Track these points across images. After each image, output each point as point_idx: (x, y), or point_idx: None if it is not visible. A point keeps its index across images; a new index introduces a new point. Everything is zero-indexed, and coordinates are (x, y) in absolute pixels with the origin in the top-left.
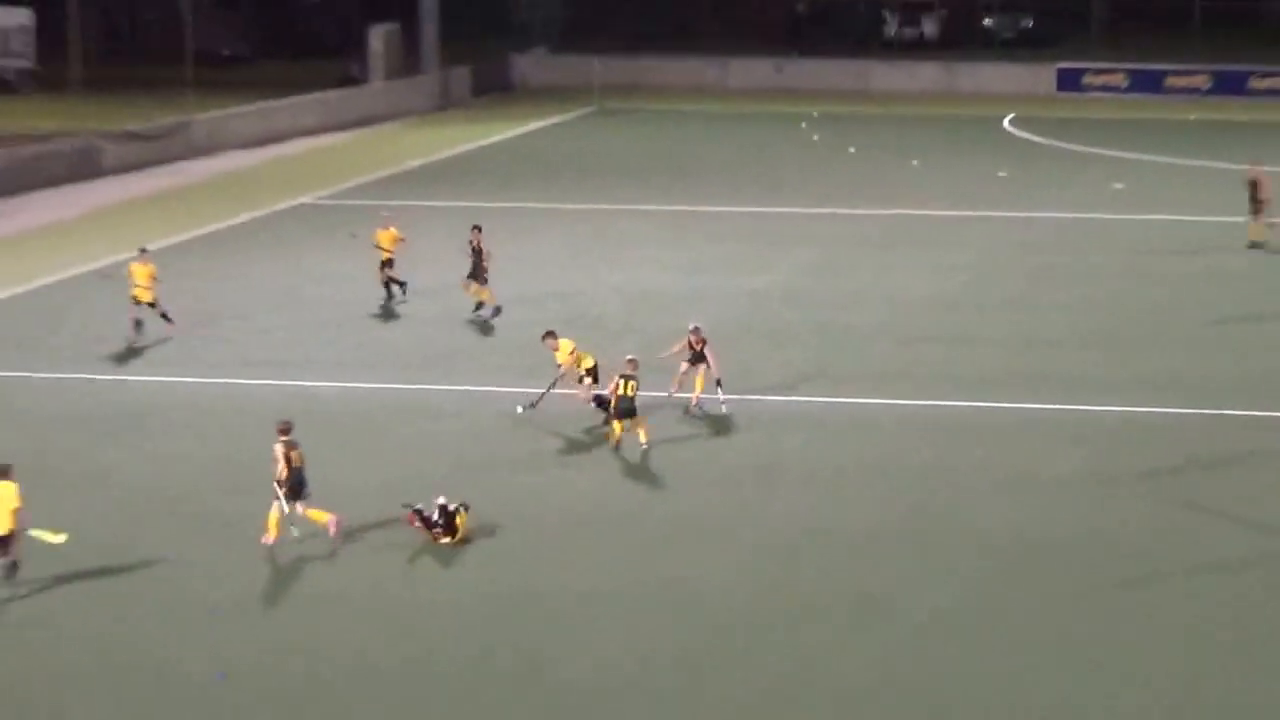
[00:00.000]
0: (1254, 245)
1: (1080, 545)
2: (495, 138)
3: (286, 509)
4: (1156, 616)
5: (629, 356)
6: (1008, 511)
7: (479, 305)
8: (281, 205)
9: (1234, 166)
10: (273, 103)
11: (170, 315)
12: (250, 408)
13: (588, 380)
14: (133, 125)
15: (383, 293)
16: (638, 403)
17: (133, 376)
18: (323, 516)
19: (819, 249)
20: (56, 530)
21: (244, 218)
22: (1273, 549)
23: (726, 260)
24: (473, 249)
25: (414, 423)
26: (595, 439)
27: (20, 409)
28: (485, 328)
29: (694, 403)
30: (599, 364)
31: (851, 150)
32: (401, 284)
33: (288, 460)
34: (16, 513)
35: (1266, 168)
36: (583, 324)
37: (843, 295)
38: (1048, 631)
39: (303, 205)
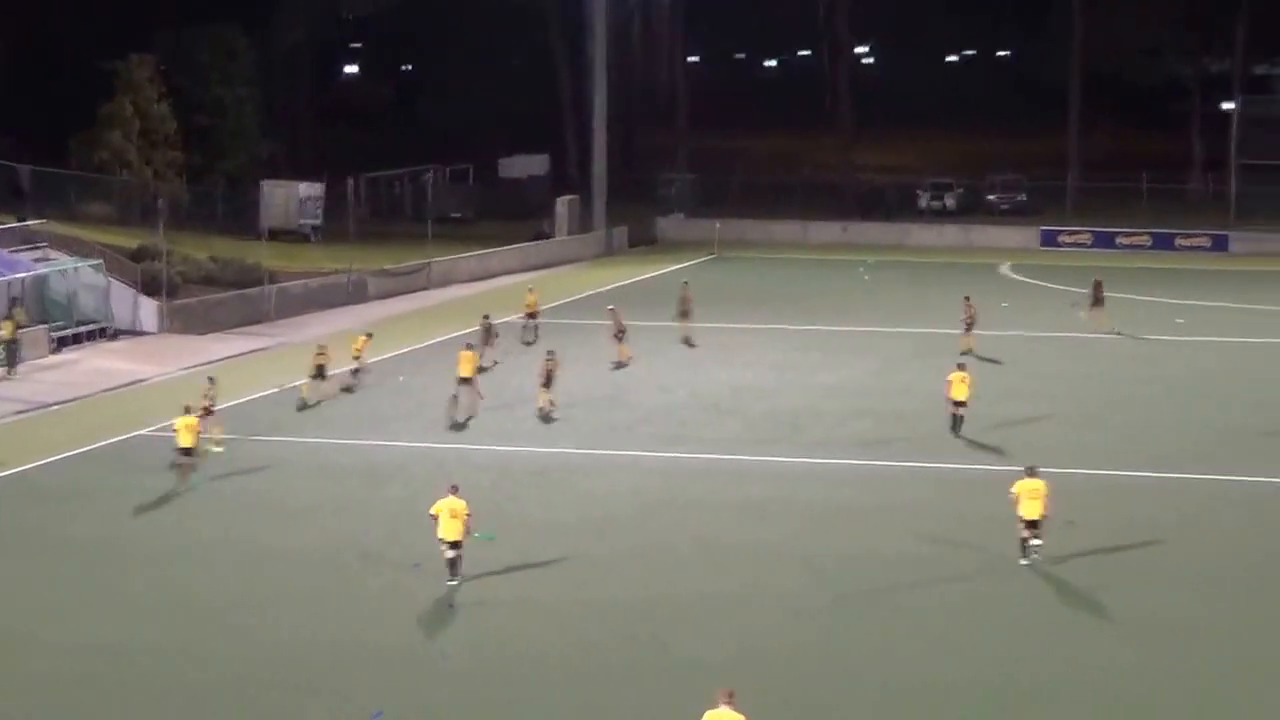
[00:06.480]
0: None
1: None
2: (644, 276)
3: None
4: None
5: None
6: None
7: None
8: (494, 322)
9: (1163, 300)
10: (488, 251)
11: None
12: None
13: None
14: (389, 265)
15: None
16: None
17: (400, 443)
18: None
19: (874, 357)
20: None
21: (467, 330)
22: None
23: (806, 363)
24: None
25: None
26: None
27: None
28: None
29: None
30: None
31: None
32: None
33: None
34: (468, 519)
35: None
36: (699, 405)
37: (892, 388)
38: None
39: (509, 322)
